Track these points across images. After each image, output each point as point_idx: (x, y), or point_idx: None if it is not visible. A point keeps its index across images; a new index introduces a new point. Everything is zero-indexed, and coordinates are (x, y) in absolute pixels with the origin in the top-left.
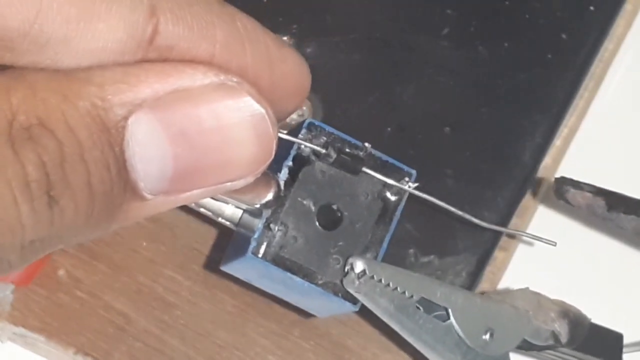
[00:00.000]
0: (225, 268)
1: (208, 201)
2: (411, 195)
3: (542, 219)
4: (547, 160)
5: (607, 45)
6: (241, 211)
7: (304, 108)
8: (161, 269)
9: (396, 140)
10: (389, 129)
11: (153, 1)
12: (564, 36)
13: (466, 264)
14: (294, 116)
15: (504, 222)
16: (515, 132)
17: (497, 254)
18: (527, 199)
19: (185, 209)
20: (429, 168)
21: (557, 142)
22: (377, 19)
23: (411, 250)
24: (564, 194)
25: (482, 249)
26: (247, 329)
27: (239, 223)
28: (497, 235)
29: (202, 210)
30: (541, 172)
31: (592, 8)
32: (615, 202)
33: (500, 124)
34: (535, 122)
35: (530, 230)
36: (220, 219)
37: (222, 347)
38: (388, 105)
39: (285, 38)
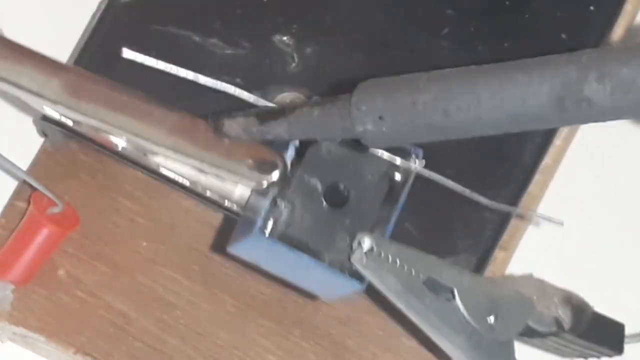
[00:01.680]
0: (231, 249)
1: (216, 183)
2: (413, 191)
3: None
4: (547, 160)
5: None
6: (248, 193)
7: None
8: (161, 269)
9: None
10: None
11: None
12: (564, 36)
13: (466, 263)
14: None
15: (504, 221)
16: (515, 132)
17: (497, 254)
18: (527, 198)
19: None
20: (429, 168)
21: (557, 142)
22: (378, 20)
23: None
24: (222, 130)
25: (482, 249)
26: (247, 329)
27: (246, 205)
28: (497, 235)
29: (208, 193)
30: (541, 172)
31: (592, 8)
32: (264, 114)
33: None
34: None
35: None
36: (227, 203)
37: (222, 347)
38: None
39: (285, 38)
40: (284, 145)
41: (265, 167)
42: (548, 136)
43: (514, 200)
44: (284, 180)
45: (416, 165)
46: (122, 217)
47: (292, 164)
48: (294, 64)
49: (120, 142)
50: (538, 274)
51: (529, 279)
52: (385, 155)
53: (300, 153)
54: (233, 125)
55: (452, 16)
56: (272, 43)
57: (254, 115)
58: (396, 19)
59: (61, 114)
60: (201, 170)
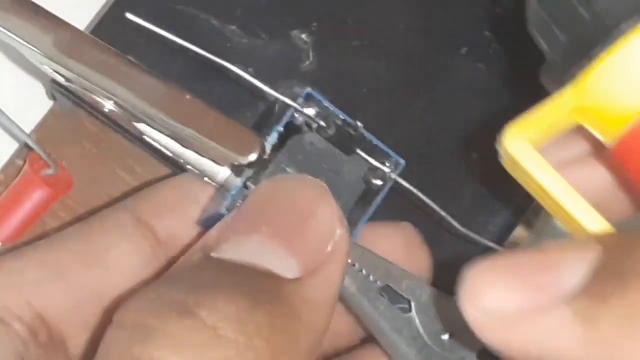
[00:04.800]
0: (200, 223)
1: (202, 161)
2: (405, 198)
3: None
4: None
5: None
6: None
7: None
8: None
9: (396, 150)
10: (391, 139)
11: None
12: None
13: None
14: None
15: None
16: None
17: None
18: (521, 230)
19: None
20: (424, 181)
21: None
22: (398, 30)
23: None
24: None
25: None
26: None
27: (224, 183)
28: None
29: (188, 167)
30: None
31: None
32: None
33: None
34: None
35: None
36: (206, 179)
37: None
38: (395, 116)
39: (303, 35)
40: (268, 130)
41: (243, 149)
42: None
43: (507, 229)
44: (261, 164)
45: (396, 173)
46: (118, 190)
47: (272, 149)
48: (308, 62)
49: (107, 104)
50: None
51: None
52: (367, 158)
53: (283, 139)
54: None
55: (473, 37)
56: (289, 38)
57: None
58: (417, 33)
59: (53, 70)
60: (181, 144)
